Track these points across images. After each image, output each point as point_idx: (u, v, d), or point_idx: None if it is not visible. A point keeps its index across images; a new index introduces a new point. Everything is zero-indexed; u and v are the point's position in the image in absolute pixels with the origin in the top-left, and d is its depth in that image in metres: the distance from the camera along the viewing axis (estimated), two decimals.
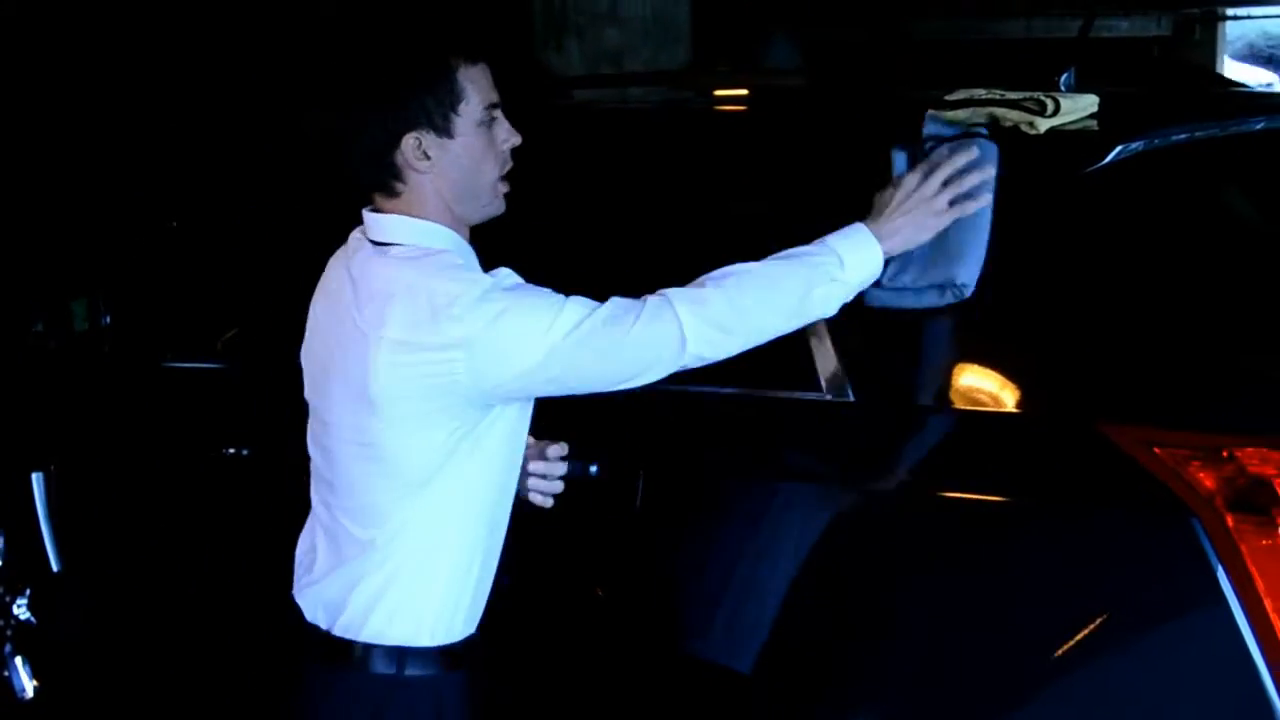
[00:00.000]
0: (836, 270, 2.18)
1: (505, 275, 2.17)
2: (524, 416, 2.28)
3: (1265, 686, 2.02)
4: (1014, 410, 2.30)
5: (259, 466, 3.10)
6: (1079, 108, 2.50)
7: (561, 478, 2.46)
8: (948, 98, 2.58)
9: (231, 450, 3.15)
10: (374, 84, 2.17)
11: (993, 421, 2.29)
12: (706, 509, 2.54)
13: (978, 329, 2.37)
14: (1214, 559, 2.04)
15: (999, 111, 2.48)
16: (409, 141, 2.16)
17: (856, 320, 2.41)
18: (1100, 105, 2.57)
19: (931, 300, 2.29)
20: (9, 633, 3.99)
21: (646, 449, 2.62)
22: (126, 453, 3.60)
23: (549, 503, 2.42)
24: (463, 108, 2.17)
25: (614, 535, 2.62)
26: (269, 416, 2.80)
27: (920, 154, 2.26)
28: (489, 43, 2.25)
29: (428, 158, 2.17)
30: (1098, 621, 2.13)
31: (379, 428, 2.16)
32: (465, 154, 2.19)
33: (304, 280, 2.41)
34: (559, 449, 2.41)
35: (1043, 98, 2.46)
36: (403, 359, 2.11)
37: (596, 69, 6.73)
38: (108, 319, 3.80)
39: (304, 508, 2.45)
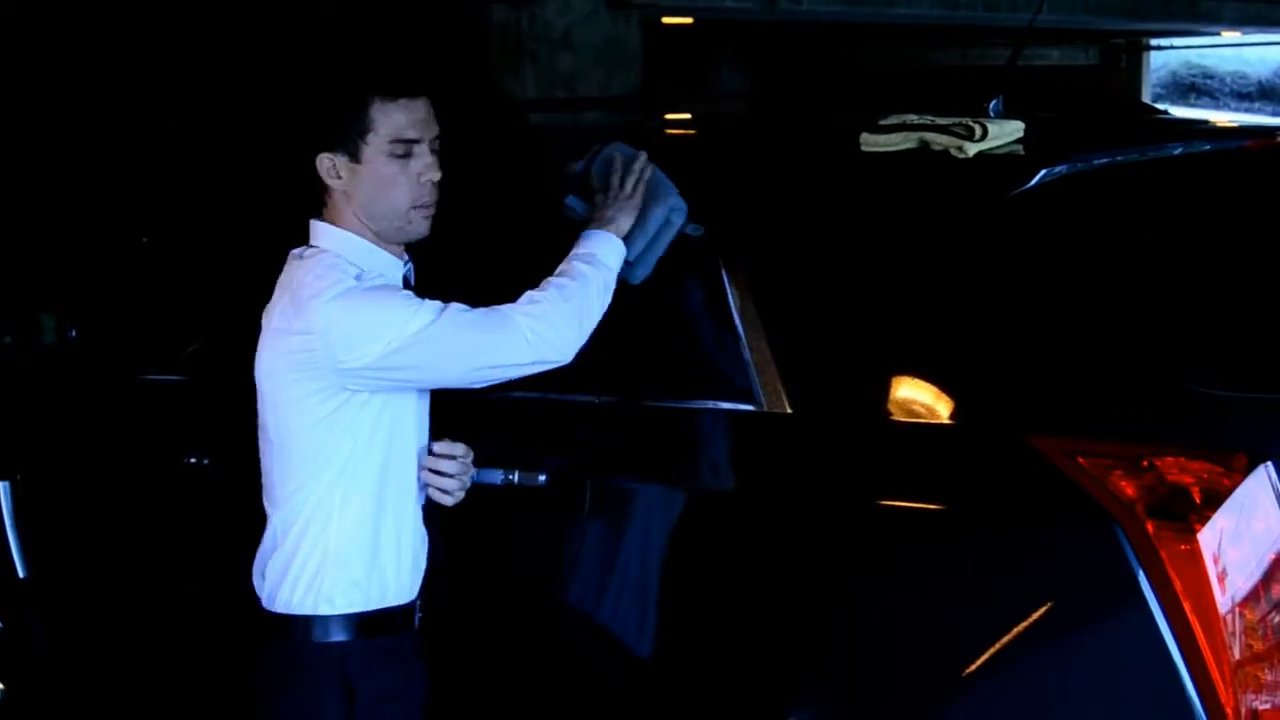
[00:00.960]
0: (607, 264, 2.39)
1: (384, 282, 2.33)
2: (405, 406, 2.38)
3: (1184, 684, 2.03)
4: (946, 422, 2.30)
5: (220, 475, 3.07)
6: (1005, 133, 2.51)
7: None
8: (881, 122, 2.59)
9: (193, 460, 3.12)
10: (298, 103, 2.35)
11: (925, 433, 2.29)
12: (649, 519, 2.53)
13: (911, 344, 2.37)
14: (1135, 563, 2.05)
15: (929, 136, 2.50)
16: (323, 160, 2.32)
17: (792, 334, 2.42)
18: (1026, 131, 2.58)
19: (667, 239, 2.49)
20: None
21: (592, 460, 2.61)
22: (92, 462, 3.56)
23: (446, 500, 2.46)
24: (371, 138, 2.30)
25: (561, 544, 2.60)
26: (230, 427, 2.77)
27: (591, 167, 2.49)
28: (418, 82, 2.35)
29: (339, 177, 2.33)
30: (1025, 624, 2.13)
31: (266, 411, 2.37)
32: (372, 180, 2.32)
33: (267, 294, 2.41)
34: (447, 446, 2.45)
35: (971, 123, 2.47)
36: (278, 344, 2.31)
37: (550, 93, 6.73)
38: (74, 332, 3.77)
39: (261, 515, 2.46)
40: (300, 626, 2.36)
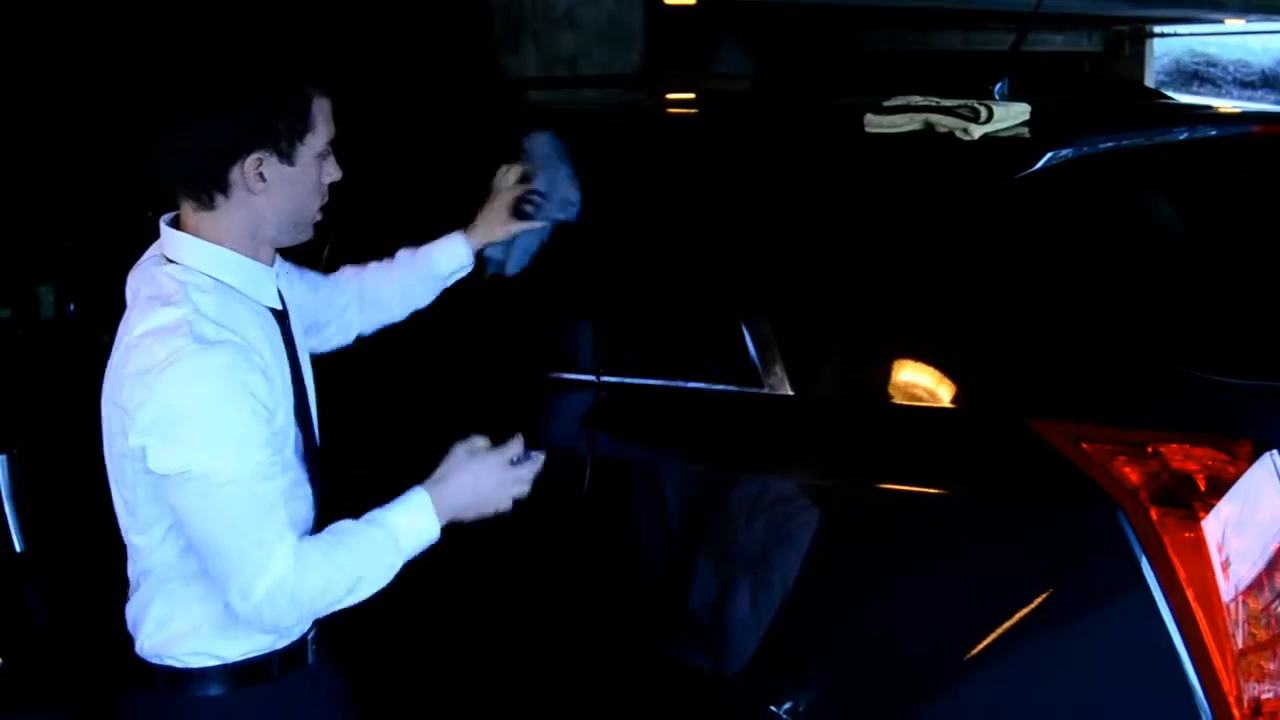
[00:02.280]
0: (402, 547, 2.06)
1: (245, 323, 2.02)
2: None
3: (1186, 673, 2.01)
4: (949, 406, 2.28)
5: None
6: (1011, 115, 2.49)
7: None
8: (885, 104, 2.57)
9: None
10: (239, 90, 1.99)
11: (928, 416, 2.27)
12: (649, 498, 2.52)
13: (915, 327, 2.35)
14: (1138, 550, 2.03)
15: (934, 118, 2.47)
16: (251, 160, 2.00)
17: (795, 317, 2.40)
18: (1031, 114, 2.56)
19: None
20: None
21: (592, 439, 2.59)
22: (90, 437, 3.54)
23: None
24: (309, 138, 2.04)
25: (559, 525, 2.59)
26: None
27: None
28: (336, 76, 2.17)
29: (263, 180, 2.01)
30: (1027, 609, 2.12)
31: (104, 436, 2.10)
32: (299, 183, 2.06)
33: None
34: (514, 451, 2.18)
35: (977, 105, 2.45)
36: (110, 378, 2.03)
37: (551, 72, 6.70)
38: (72, 306, 3.75)
39: None
40: (179, 680, 2.09)
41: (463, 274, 2.55)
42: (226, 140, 1.98)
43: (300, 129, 2.02)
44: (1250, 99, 20.81)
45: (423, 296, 2.55)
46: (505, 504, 2.15)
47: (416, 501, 2.07)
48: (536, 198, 2.49)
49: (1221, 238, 2.60)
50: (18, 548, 3.77)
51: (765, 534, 2.34)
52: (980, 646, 2.15)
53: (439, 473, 2.11)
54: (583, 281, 2.59)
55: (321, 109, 2.06)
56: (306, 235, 2.15)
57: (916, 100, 2.51)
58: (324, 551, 1.99)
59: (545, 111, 3.53)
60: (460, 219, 2.74)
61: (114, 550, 3.53)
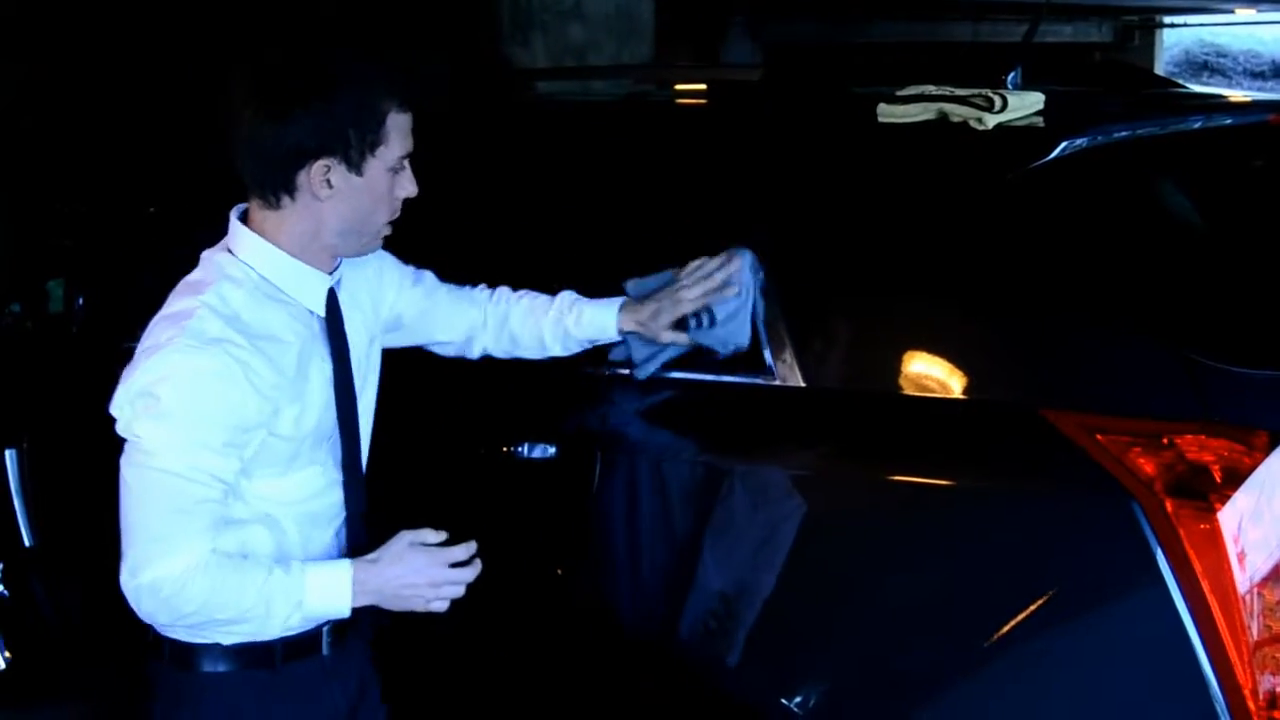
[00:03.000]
0: (309, 611, 2.07)
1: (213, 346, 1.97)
2: (275, 450, 2.07)
3: (1201, 665, 2.00)
4: (961, 397, 2.26)
5: None
6: (1025, 105, 2.47)
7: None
8: (899, 93, 2.55)
9: None
10: (306, 99, 1.99)
11: (941, 407, 2.26)
12: (660, 492, 2.50)
13: (926, 317, 2.33)
14: (1153, 542, 2.01)
15: (948, 107, 2.46)
16: (319, 166, 2.02)
17: (807, 308, 2.39)
18: (1046, 103, 2.54)
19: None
20: None
21: (602, 432, 2.58)
22: (98, 431, 3.53)
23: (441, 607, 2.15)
24: (381, 150, 2.05)
25: (570, 516, 2.58)
26: None
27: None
28: (421, 94, 2.15)
29: (330, 186, 2.04)
30: (1040, 602, 2.10)
31: None
32: (366, 195, 2.07)
33: None
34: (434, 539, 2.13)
35: (991, 94, 2.43)
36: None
37: (560, 64, 6.67)
38: (81, 301, 3.74)
39: None
40: (185, 654, 2.12)
41: (600, 343, 2.51)
42: (296, 145, 2.00)
43: (372, 141, 2.03)
44: (1261, 89, 20.74)
45: (558, 350, 2.51)
46: (436, 605, 2.11)
47: (338, 573, 2.07)
48: (707, 318, 2.39)
49: (1236, 226, 2.58)
50: (26, 543, 3.77)
51: (774, 526, 2.33)
52: (993, 639, 2.13)
53: (375, 553, 2.10)
54: (596, 267, 2.57)
55: (398, 124, 2.06)
56: (372, 247, 2.16)
57: (930, 90, 2.49)
58: (226, 573, 2.01)
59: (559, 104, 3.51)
60: (459, 213, 2.72)
61: (119, 544, 3.55)
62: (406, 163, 2.10)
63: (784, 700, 2.32)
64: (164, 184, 3.86)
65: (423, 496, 2.70)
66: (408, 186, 2.11)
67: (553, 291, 2.50)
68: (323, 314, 2.13)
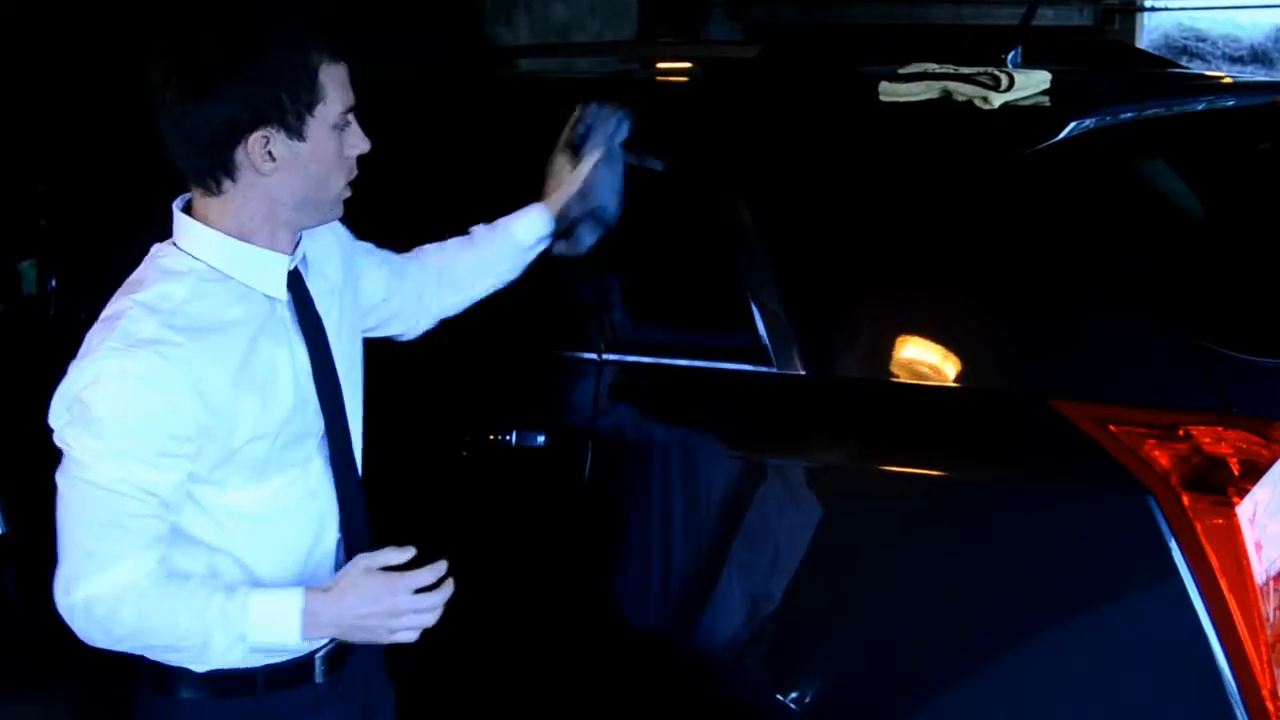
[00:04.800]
0: (252, 640, 1.87)
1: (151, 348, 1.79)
2: (245, 455, 1.90)
3: (1218, 660, 1.94)
4: (969, 386, 2.18)
5: None
6: (1032, 84, 2.38)
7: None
8: (901, 71, 2.47)
9: None
10: (226, 67, 1.80)
11: (948, 396, 2.18)
12: (655, 481, 2.42)
13: (934, 304, 2.25)
14: (1169, 536, 1.95)
15: (953, 85, 2.38)
16: (256, 139, 1.82)
17: (808, 295, 2.31)
18: (1052, 83, 2.46)
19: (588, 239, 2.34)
20: None
21: (595, 421, 2.49)
22: None
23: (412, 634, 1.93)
24: (319, 109, 1.84)
25: (562, 506, 2.50)
26: None
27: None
28: (352, 40, 1.93)
29: (272, 159, 1.84)
30: (1053, 596, 2.04)
31: None
32: (314, 160, 1.86)
33: None
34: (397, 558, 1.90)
35: (997, 73, 2.35)
36: None
37: (544, 41, 6.60)
38: (54, 283, 3.66)
39: None
40: (144, 671, 1.97)
41: (545, 244, 2.35)
42: (226, 120, 1.81)
43: (308, 100, 1.83)
44: (1240, 74, 20.73)
45: (506, 272, 2.35)
46: (401, 636, 1.88)
47: (285, 604, 1.85)
48: (580, 126, 2.34)
49: (1247, 211, 2.51)
50: (0, 529, 3.71)
51: (780, 518, 2.26)
52: (1002, 635, 2.08)
53: (332, 581, 1.89)
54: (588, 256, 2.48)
55: (332, 75, 1.85)
56: (334, 214, 1.97)
57: (933, 68, 2.40)
58: (163, 597, 1.83)
59: (537, 80, 3.43)
60: (448, 192, 2.64)
61: None
62: (351, 117, 1.90)
63: (780, 696, 2.25)
64: (137, 165, 3.77)
65: (410, 493, 2.61)
66: (358, 143, 1.92)
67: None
68: (283, 298, 1.94)
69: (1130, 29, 19.17)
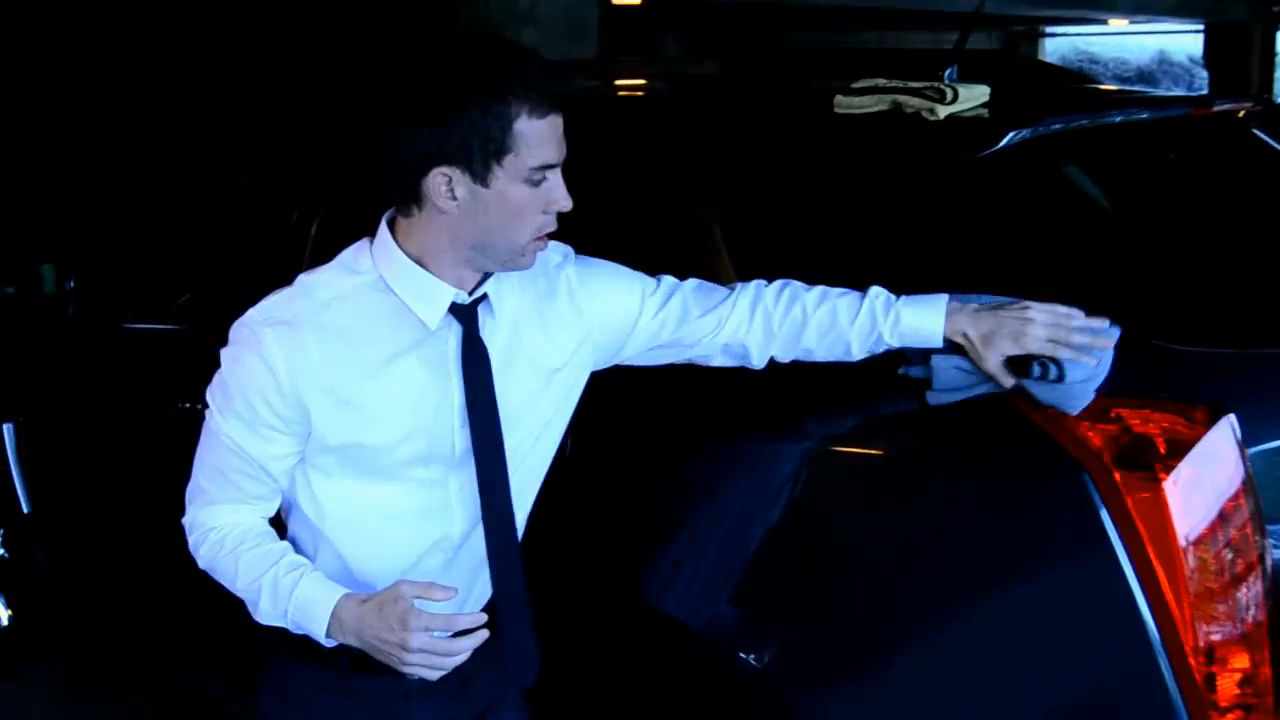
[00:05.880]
0: (297, 618, 1.84)
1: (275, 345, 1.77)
2: (345, 468, 1.85)
3: (1146, 623, 1.89)
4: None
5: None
6: (973, 96, 2.34)
7: None
8: (854, 85, 2.41)
9: (185, 405, 2.93)
10: (423, 102, 1.71)
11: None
12: (629, 460, 2.35)
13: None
14: (1102, 508, 1.89)
15: (902, 99, 2.32)
16: (438, 176, 1.71)
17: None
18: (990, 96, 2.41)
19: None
20: None
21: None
22: (90, 406, 3.41)
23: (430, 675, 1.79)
24: (509, 160, 1.71)
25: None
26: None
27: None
28: (565, 95, 1.75)
29: (454, 198, 1.73)
30: (998, 561, 2.00)
31: None
32: (497, 208, 1.73)
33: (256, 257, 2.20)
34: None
35: (943, 86, 2.29)
36: None
37: None
38: (72, 283, 3.61)
39: None
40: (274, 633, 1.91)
41: (916, 349, 1.97)
42: (414, 153, 1.71)
43: (496, 150, 1.70)
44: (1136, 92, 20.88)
45: (861, 355, 2.00)
46: (413, 671, 1.75)
47: (321, 601, 1.78)
48: (1055, 370, 1.88)
49: (1160, 214, 2.48)
50: (24, 509, 3.66)
51: (735, 494, 2.19)
52: (953, 598, 2.02)
53: (371, 594, 1.77)
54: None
55: (532, 130, 1.70)
56: (519, 264, 1.80)
57: (882, 83, 2.35)
58: (237, 549, 1.84)
59: None
60: None
61: (110, 510, 3.41)
62: (551, 173, 1.74)
63: (742, 654, 2.19)
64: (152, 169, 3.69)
65: None
66: (558, 200, 1.76)
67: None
68: (434, 326, 1.80)
69: (1034, 52, 19.35)
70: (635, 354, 2.04)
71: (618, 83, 3.43)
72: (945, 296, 1.94)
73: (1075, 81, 3.28)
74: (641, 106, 2.91)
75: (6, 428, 3.65)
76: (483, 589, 1.97)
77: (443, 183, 1.72)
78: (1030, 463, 1.97)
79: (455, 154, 1.70)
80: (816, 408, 2.20)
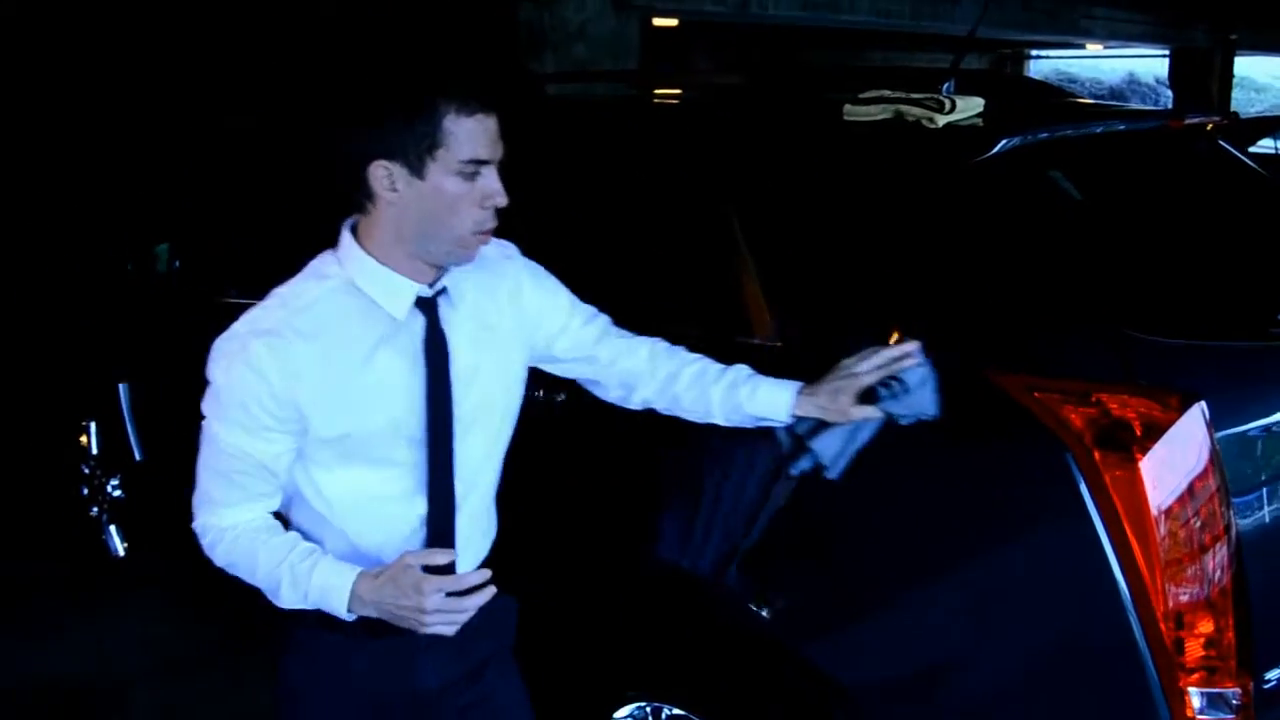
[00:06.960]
0: (316, 596, 1.71)
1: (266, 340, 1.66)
2: (342, 443, 1.72)
3: (1120, 589, 1.79)
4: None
5: None
6: (969, 107, 2.20)
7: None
8: (860, 95, 2.28)
9: None
10: (357, 101, 1.64)
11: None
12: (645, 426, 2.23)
13: (895, 294, 2.06)
14: (1082, 484, 1.78)
15: (904, 108, 2.18)
16: (378, 169, 1.63)
17: (785, 277, 2.13)
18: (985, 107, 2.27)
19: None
20: (105, 506, 3.88)
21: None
22: (192, 370, 3.34)
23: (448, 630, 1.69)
24: (440, 154, 1.62)
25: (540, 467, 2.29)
26: None
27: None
28: (496, 96, 1.65)
29: (395, 189, 1.65)
30: (987, 531, 1.89)
31: None
32: (433, 199, 1.64)
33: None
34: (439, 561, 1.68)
35: (941, 97, 2.15)
36: None
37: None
38: (178, 263, 3.56)
39: None
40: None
41: (771, 425, 1.92)
42: (355, 149, 1.64)
43: (428, 144, 1.61)
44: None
45: (721, 420, 1.94)
46: (435, 629, 1.65)
47: (340, 580, 1.68)
48: (898, 385, 1.81)
49: (1137, 215, 2.33)
50: (137, 457, 3.64)
51: (746, 465, 2.06)
52: (945, 563, 1.91)
53: (381, 568, 1.68)
54: (573, 249, 2.26)
55: (460, 127, 1.61)
56: (461, 256, 1.70)
57: (887, 94, 2.21)
58: (253, 544, 1.73)
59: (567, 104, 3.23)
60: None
61: None
62: (485, 169, 1.65)
63: (753, 606, 2.07)
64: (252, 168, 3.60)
65: None
66: (493, 195, 1.66)
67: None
68: (401, 318, 1.71)
69: (1019, 71, 19.00)
70: (553, 359, 1.96)
71: (655, 91, 3.30)
72: (799, 383, 1.89)
73: (1059, 96, 3.12)
74: (673, 112, 2.77)
75: (122, 388, 3.60)
76: (478, 547, 1.88)
77: (383, 175, 1.64)
78: (1019, 443, 1.85)
79: (391, 149, 1.62)
80: None
